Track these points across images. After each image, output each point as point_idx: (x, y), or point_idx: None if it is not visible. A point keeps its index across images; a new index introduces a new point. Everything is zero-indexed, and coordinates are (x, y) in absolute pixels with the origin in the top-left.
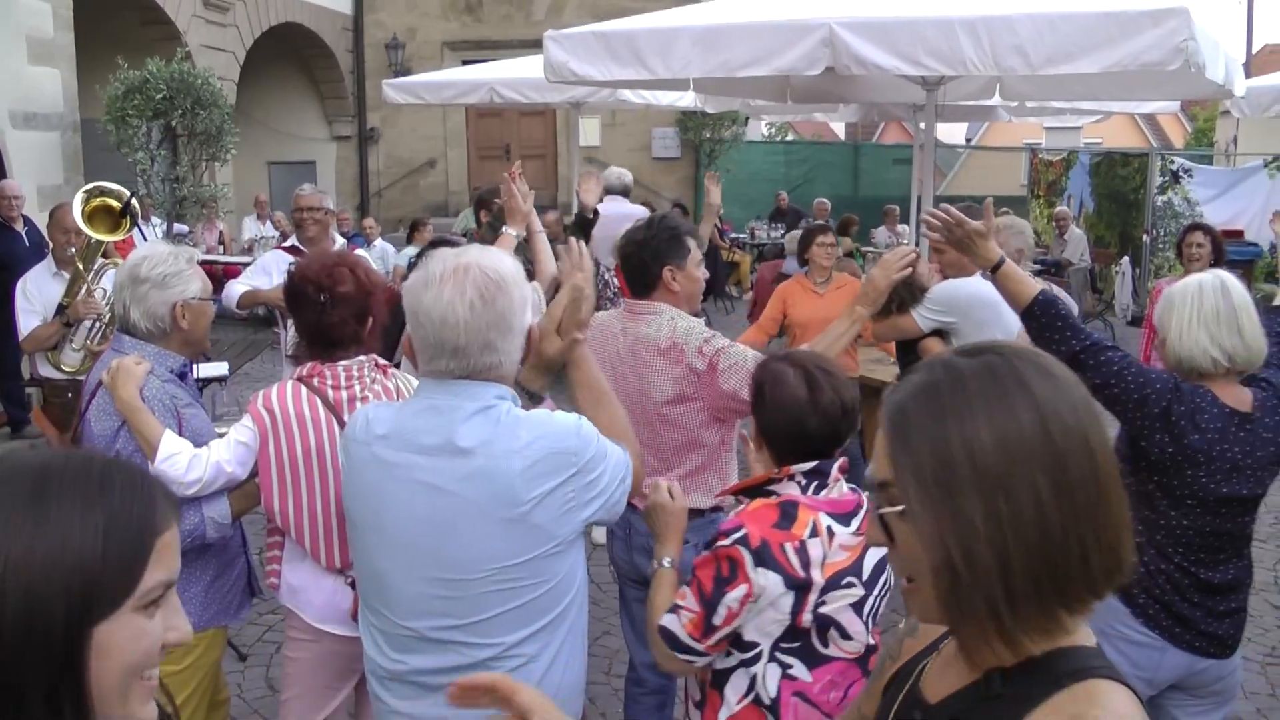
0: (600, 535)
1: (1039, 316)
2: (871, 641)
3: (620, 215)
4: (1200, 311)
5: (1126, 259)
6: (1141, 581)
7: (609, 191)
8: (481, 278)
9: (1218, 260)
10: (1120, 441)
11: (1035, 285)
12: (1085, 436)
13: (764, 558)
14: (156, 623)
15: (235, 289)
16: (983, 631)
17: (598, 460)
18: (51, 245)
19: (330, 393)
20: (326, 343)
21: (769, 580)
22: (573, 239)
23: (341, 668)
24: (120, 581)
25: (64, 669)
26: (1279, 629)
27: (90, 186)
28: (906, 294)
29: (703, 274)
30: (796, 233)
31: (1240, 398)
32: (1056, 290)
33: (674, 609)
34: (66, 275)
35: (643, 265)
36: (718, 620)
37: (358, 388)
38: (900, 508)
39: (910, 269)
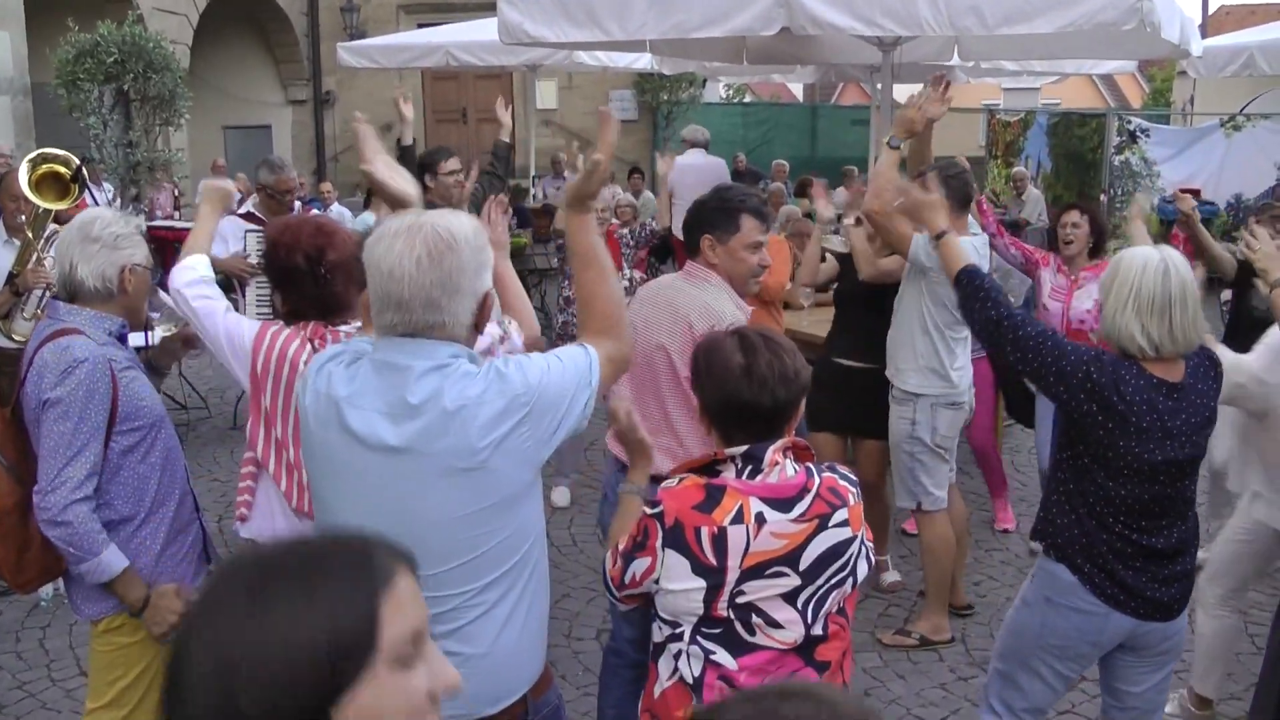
0: (560, 499)
1: (965, 285)
2: (818, 631)
3: (697, 166)
4: (1136, 295)
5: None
6: (1086, 551)
7: (691, 145)
8: (433, 235)
9: (1098, 244)
10: (1057, 420)
11: (966, 259)
12: None
13: (674, 539)
14: (419, 675)
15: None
16: None
17: (554, 395)
18: (1, 213)
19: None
20: (324, 311)
21: (674, 561)
22: (606, 109)
23: None
24: (356, 649)
25: None
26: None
27: (35, 154)
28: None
29: (760, 260)
30: None
31: (1171, 370)
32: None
33: (615, 546)
34: (17, 243)
35: (690, 227)
36: (627, 579)
37: None
38: None
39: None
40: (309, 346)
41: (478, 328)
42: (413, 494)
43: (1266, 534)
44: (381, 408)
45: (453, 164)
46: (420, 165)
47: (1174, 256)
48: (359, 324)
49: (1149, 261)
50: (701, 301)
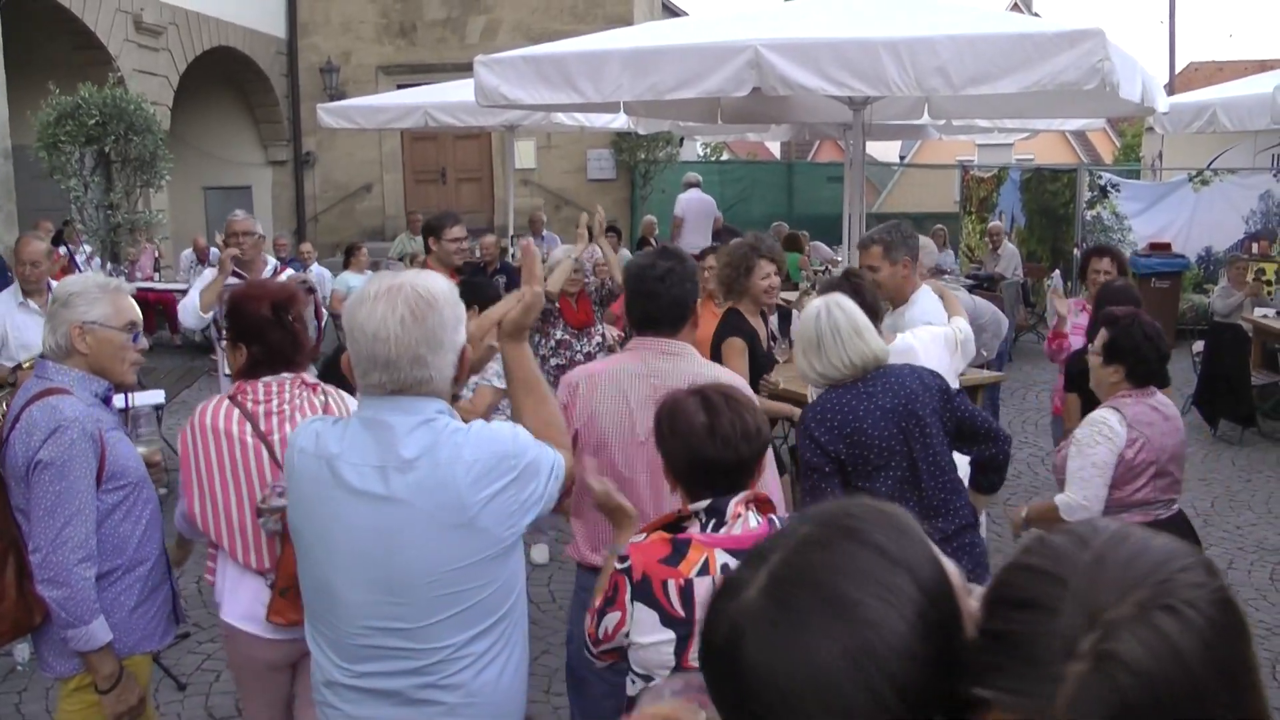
0: (539, 556)
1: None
2: None
3: (697, 198)
4: (803, 337)
5: (1058, 272)
6: None
7: (688, 185)
8: (413, 295)
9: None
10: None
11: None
12: None
13: (642, 592)
14: None
15: (192, 298)
16: None
17: (536, 464)
18: (16, 275)
19: (250, 406)
20: (284, 360)
21: (643, 614)
22: (528, 241)
23: (259, 671)
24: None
25: None
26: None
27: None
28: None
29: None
30: None
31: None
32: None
33: (591, 605)
34: (32, 305)
35: (682, 297)
36: (600, 634)
37: (275, 402)
38: None
39: None
40: (233, 408)
41: (457, 380)
42: (404, 547)
43: None
44: (374, 461)
45: (458, 231)
46: (425, 229)
47: (836, 300)
48: (285, 375)
49: (810, 309)
50: (706, 369)
